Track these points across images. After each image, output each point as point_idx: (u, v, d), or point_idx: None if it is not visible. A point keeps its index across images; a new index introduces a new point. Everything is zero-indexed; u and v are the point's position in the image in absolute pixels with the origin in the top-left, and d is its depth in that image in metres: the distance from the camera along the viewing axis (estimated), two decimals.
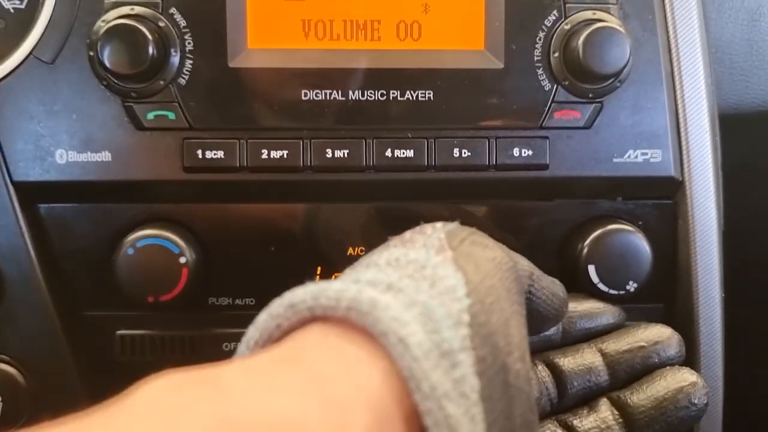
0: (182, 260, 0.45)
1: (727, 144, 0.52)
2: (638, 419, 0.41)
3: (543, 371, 0.43)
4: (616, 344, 0.44)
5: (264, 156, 0.46)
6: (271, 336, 0.26)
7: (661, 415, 0.41)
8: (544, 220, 0.50)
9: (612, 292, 0.48)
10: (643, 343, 0.44)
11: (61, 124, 0.45)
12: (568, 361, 0.43)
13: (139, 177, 0.46)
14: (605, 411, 0.42)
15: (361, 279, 0.27)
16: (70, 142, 0.45)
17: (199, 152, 0.46)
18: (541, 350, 0.45)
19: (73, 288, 0.48)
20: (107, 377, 0.49)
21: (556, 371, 0.43)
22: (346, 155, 0.46)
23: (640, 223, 0.50)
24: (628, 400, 0.42)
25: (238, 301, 0.49)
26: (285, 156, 0.46)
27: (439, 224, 0.34)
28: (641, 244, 0.48)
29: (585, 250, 0.48)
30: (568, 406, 0.43)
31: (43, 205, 0.47)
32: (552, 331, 0.45)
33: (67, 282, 0.48)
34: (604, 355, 0.44)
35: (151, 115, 0.45)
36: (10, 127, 0.45)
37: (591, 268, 0.47)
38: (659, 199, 0.50)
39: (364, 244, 0.49)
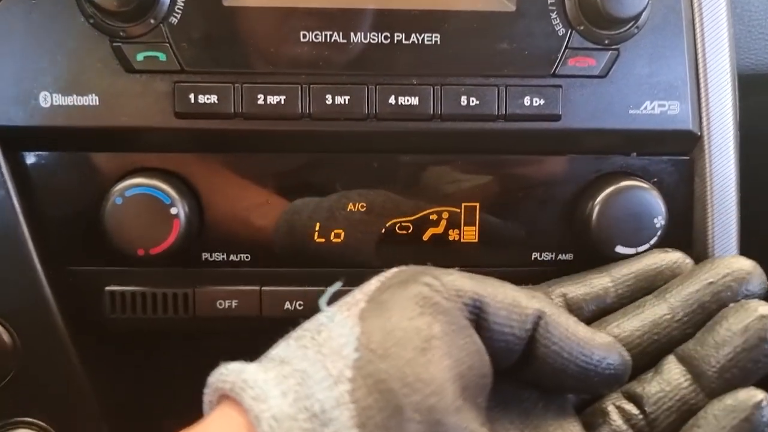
0: (173, 211, 0.43)
1: (744, 105, 0.49)
2: (707, 372, 0.37)
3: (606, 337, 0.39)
4: (680, 290, 0.40)
5: (260, 102, 0.43)
6: (211, 404, 0.32)
7: (730, 362, 0.37)
8: (554, 176, 0.47)
9: (623, 252, 0.45)
10: (710, 280, 0.40)
11: (45, 64, 0.43)
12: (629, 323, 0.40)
13: (128, 123, 0.43)
14: (673, 370, 0.38)
15: (269, 355, 0.32)
16: (55, 84, 0.43)
17: (192, 96, 0.43)
18: (596, 313, 0.42)
19: (60, 241, 0.46)
20: (96, 334, 0.48)
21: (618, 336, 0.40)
22: (346, 102, 0.44)
23: (654, 180, 0.47)
24: (694, 353, 0.38)
25: (233, 257, 0.47)
26: (282, 102, 0.43)
27: (390, 271, 0.36)
28: (655, 202, 0.46)
29: (596, 208, 0.46)
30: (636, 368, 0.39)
31: (27, 152, 0.45)
32: (601, 291, 0.43)
33: (52, 235, 0.46)
34: (669, 305, 0.40)
35: (140, 57, 0.43)
36: None
37: (602, 227, 0.45)
38: (675, 155, 0.48)
39: (365, 199, 0.47)
